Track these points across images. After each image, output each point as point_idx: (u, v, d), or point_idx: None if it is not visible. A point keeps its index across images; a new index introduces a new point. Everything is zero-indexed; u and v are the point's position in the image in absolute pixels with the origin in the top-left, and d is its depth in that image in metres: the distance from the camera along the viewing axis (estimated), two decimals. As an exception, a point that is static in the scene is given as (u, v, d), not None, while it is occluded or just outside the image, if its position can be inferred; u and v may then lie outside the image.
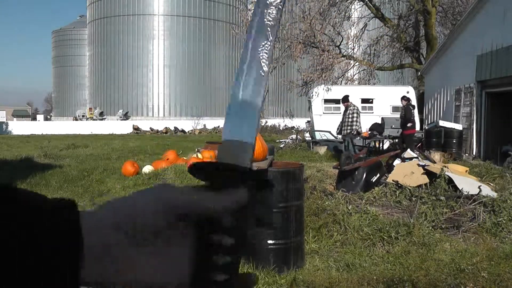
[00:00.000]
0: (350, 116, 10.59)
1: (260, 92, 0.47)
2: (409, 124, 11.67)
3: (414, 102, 17.95)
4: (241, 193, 0.40)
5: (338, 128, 11.39)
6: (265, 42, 0.49)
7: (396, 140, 13.32)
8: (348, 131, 10.60)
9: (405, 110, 11.82)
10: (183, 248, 0.38)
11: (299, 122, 31.01)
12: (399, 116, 12.41)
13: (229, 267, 0.40)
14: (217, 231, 0.39)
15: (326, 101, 17.77)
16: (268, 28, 0.50)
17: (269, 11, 0.49)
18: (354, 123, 10.60)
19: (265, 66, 0.48)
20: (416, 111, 17.69)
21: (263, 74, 0.48)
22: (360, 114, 11.05)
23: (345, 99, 11.00)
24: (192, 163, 0.41)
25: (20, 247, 0.33)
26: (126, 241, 0.36)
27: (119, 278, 0.36)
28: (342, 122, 10.87)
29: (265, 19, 0.49)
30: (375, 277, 3.56)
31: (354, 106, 10.88)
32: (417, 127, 16.15)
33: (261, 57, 0.48)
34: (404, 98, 12.14)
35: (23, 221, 0.34)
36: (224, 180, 0.40)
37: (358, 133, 11.02)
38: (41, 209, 0.35)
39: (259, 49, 0.48)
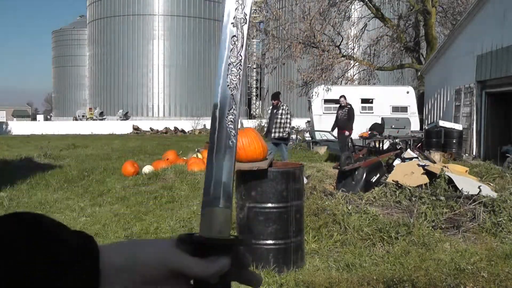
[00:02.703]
0: (284, 117, 9.30)
1: (231, 168, 0.52)
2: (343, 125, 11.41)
3: (414, 101, 17.99)
4: (223, 261, 0.48)
5: (266, 130, 9.86)
6: (231, 109, 0.53)
7: (397, 140, 13.32)
8: (281, 134, 9.31)
9: (349, 111, 11.49)
10: None
11: (299, 122, 30.99)
12: (341, 116, 11.62)
13: None
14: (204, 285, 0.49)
15: (326, 101, 17.80)
16: (231, 93, 0.53)
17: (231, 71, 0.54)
18: (288, 125, 9.45)
19: (233, 137, 0.52)
20: (416, 111, 17.74)
21: (231, 144, 0.52)
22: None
23: (276, 96, 9.68)
24: (178, 236, 0.49)
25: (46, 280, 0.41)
26: (129, 284, 0.46)
27: None
28: (272, 122, 9.40)
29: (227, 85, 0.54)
30: (375, 277, 3.56)
31: (286, 105, 9.69)
32: (417, 127, 16.19)
33: (228, 127, 0.52)
34: (344, 96, 11.77)
35: (51, 256, 0.42)
36: (209, 251, 0.48)
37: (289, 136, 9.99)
38: (66, 243, 0.44)
39: (226, 118, 0.52)
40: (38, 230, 0.43)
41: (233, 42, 0.54)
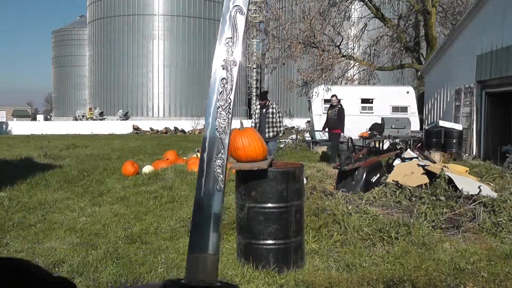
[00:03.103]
0: (276, 116, 9.12)
1: (220, 203, 0.51)
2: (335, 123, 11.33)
3: (414, 101, 17.99)
4: None
5: (257, 130, 9.16)
6: (219, 154, 0.53)
7: (397, 140, 13.31)
8: (275, 133, 9.13)
9: (339, 110, 11.40)
10: None
11: (299, 122, 31.01)
12: (331, 116, 11.45)
13: None
14: None
15: (326, 101, 17.77)
16: (220, 137, 0.53)
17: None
18: (282, 124, 9.29)
19: (221, 182, 0.52)
20: (416, 111, 17.73)
21: (218, 188, 0.51)
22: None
23: (264, 95, 9.49)
24: (164, 283, 0.48)
25: None
26: None
27: None
28: (264, 122, 9.13)
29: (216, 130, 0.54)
30: (375, 277, 3.56)
31: (276, 104, 9.43)
32: (417, 127, 16.19)
33: (215, 171, 0.52)
34: (336, 96, 11.69)
35: None
36: None
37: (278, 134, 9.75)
38: None
39: (214, 162, 0.52)
40: (19, 277, 0.43)
41: (223, 85, 0.53)
